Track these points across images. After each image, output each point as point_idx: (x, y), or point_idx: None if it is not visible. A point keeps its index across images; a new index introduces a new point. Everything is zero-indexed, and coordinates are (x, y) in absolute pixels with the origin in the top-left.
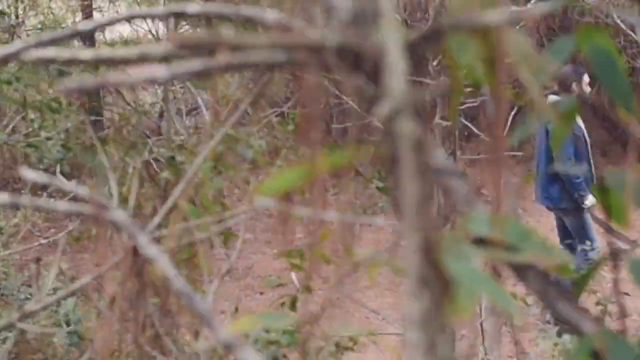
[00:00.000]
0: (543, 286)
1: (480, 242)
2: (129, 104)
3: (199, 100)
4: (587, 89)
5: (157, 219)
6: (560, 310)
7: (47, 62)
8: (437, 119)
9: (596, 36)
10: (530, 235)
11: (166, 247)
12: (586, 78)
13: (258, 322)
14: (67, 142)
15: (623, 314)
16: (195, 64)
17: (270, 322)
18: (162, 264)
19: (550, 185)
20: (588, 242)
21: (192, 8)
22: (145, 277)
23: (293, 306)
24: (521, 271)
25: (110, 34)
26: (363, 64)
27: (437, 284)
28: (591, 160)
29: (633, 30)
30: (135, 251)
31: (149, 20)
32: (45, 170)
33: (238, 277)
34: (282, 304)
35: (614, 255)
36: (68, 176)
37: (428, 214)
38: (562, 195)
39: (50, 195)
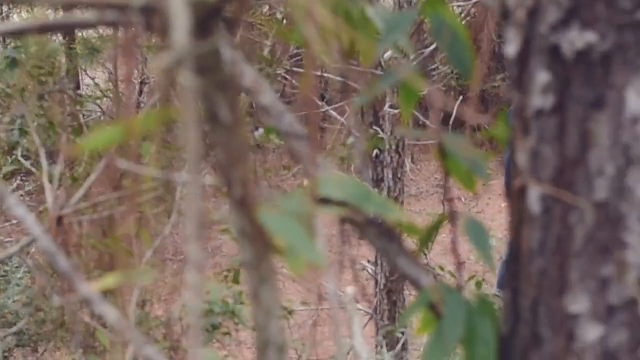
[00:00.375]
0: (384, 243)
1: (326, 202)
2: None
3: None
4: None
5: (81, 191)
6: (400, 266)
7: None
8: (386, 107)
9: (439, 7)
10: (371, 196)
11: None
12: None
13: (120, 280)
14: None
15: (459, 270)
16: (13, 23)
17: (215, 293)
18: (29, 223)
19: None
20: None
21: None
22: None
23: (236, 279)
24: (363, 229)
25: None
26: (161, 22)
27: (256, 236)
28: None
29: None
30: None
31: None
32: None
33: (207, 256)
34: (225, 277)
35: (452, 217)
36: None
37: (243, 170)
38: None
39: None
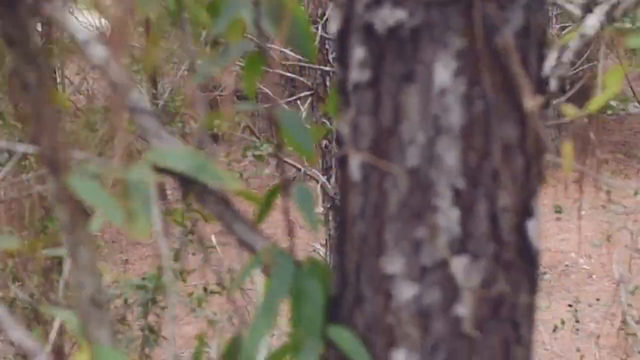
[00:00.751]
0: (220, 210)
1: (164, 171)
2: None
3: None
4: None
5: None
6: (237, 231)
7: None
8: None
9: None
10: (208, 167)
11: None
12: None
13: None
14: None
15: (291, 235)
16: None
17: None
18: None
19: None
20: None
21: None
22: None
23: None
24: (201, 196)
25: None
26: None
27: (68, 201)
28: None
29: None
30: None
31: None
32: None
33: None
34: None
35: (284, 185)
36: None
37: (53, 136)
38: None
39: None
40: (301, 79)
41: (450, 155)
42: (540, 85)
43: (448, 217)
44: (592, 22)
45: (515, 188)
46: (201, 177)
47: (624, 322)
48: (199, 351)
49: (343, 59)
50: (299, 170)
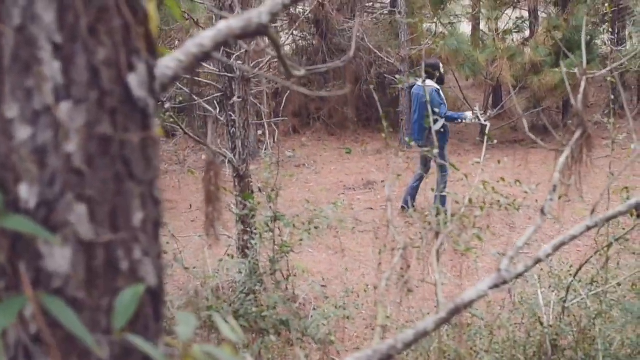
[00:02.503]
0: None
1: None
2: None
3: None
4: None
5: None
6: None
7: None
8: (235, 98)
9: None
10: None
11: None
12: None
13: None
14: None
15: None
16: None
17: None
18: None
19: (421, 130)
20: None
21: None
22: None
23: None
24: None
25: None
26: None
27: None
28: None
29: None
30: None
31: None
32: None
33: None
34: None
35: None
36: None
37: None
38: (429, 136)
39: None
40: (214, 84)
41: (48, 14)
42: None
43: (51, 67)
44: None
45: (114, 45)
46: None
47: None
48: None
49: None
50: (211, 149)
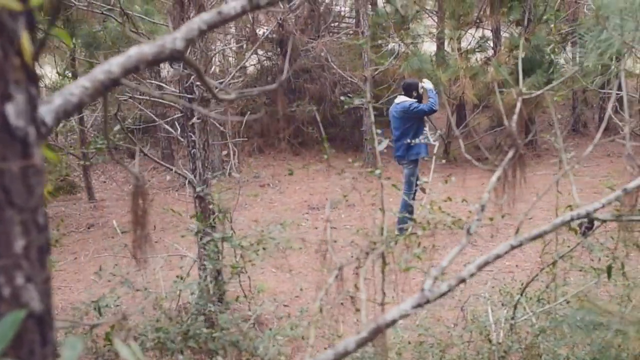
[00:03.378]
0: None
1: None
2: None
3: None
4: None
5: None
6: None
7: None
8: (194, 119)
9: None
10: None
11: None
12: (419, 87)
13: None
14: None
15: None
16: None
17: None
18: None
19: (399, 148)
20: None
21: None
22: None
23: None
24: None
25: None
26: None
27: None
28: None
29: None
30: None
31: None
32: None
33: None
34: None
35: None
36: None
37: None
38: (404, 153)
39: None
40: (176, 105)
41: None
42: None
43: None
44: (234, 5)
45: None
46: None
47: None
48: None
49: None
50: (171, 169)
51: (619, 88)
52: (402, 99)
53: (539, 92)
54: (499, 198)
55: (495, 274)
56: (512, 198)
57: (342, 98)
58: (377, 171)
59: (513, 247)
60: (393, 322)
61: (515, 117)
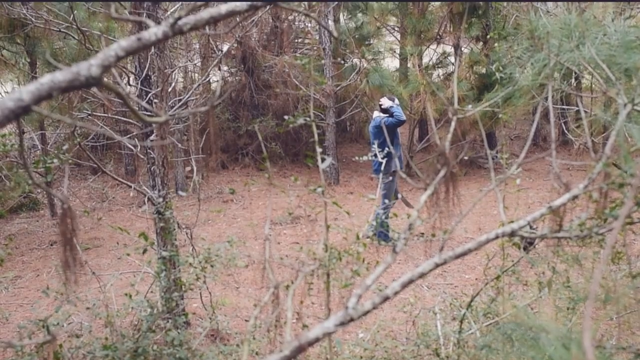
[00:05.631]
0: None
1: None
2: None
3: None
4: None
5: None
6: None
7: None
8: (152, 136)
9: None
10: None
11: None
12: (396, 101)
13: None
14: None
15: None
16: None
17: None
18: None
19: (374, 162)
20: (386, 201)
21: None
22: None
23: None
24: None
25: None
26: None
27: None
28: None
29: None
30: None
31: None
32: None
33: None
34: None
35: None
36: None
37: None
38: (379, 167)
39: None
40: (134, 122)
41: None
42: None
43: None
44: (155, 30)
45: None
46: None
47: None
48: None
49: None
50: (130, 187)
51: (575, 105)
52: (376, 115)
53: (471, 112)
54: (431, 215)
55: (454, 287)
56: (445, 215)
57: (285, 117)
58: (319, 188)
59: (437, 265)
60: (316, 340)
61: (449, 135)
